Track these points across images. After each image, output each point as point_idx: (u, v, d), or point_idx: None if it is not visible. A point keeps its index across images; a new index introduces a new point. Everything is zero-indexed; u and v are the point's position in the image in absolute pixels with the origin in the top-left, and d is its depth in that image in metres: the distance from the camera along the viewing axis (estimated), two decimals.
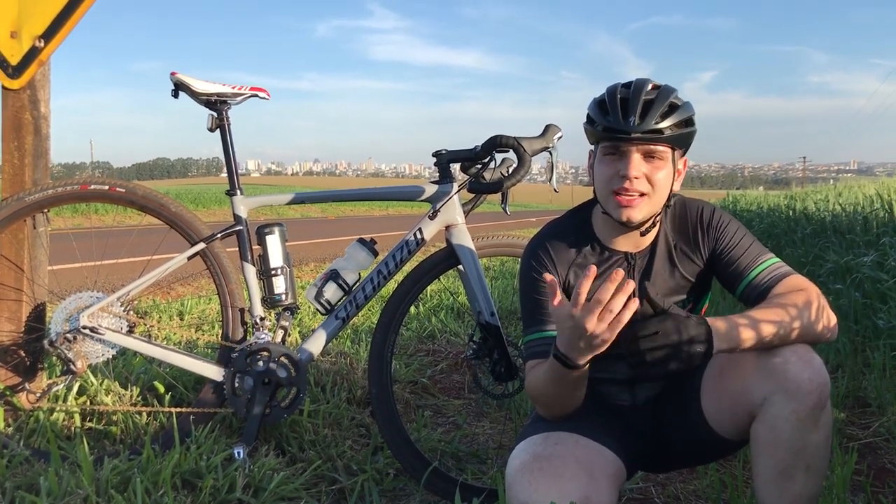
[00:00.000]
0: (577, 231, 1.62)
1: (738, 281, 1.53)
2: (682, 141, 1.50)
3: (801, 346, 1.39)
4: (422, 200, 2.24)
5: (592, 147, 1.57)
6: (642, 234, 1.56)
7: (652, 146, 1.47)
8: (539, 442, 1.45)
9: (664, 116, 1.46)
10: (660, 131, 1.45)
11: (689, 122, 1.50)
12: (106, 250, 2.62)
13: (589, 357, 1.34)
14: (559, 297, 1.30)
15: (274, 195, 2.35)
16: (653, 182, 1.47)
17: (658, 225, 1.58)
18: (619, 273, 1.25)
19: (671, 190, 1.53)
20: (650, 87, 1.49)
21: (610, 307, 1.26)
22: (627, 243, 1.57)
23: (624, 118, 1.45)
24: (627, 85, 1.51)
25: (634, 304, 1.26)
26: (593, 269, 1.28)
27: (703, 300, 1.65)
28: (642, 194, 1.47)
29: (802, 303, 1.41)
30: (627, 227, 1.52)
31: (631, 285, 1.26)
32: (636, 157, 1.47)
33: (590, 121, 1.53)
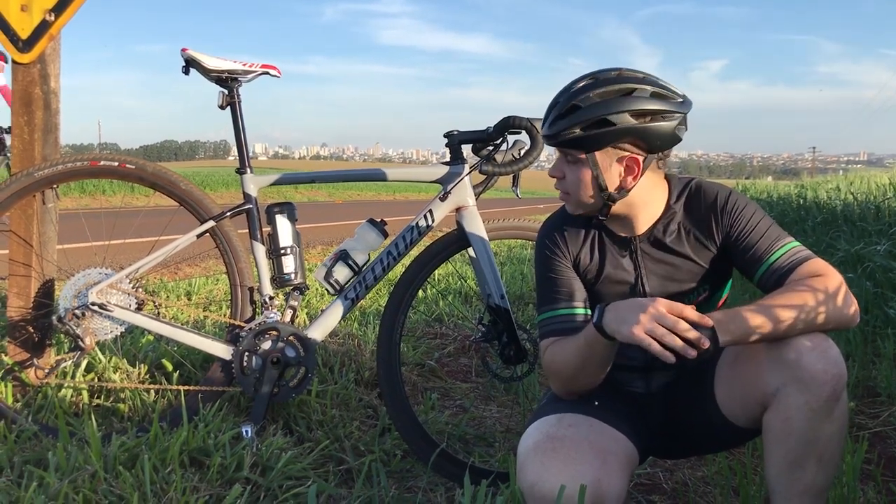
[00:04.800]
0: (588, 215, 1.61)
1: (757, 266, 1.48)
2: (588, 143, 1.45)
3: (817, 335, 1.36)
4: (433, 182, 2.22)
5: None
6: (602, 217, 1.55)
7: (562, 150, 1.51)
8: (553, 423, 1.44)
9: (557, 121, 1.48)
10: (554, 136, 1.49)
11: (601, 123, 1.43)
12: (114, 230, 2.61)
13: (614, 333, 1.36)
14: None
15: (287, 174, 2.33)
16: (568, 182, 1.52)
17: (663, 210, 1.55)
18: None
19: (604, 188, 1.48)
20: (577, 87, 1.48)
21: (680, 328, 1.29)
22: (619, 228, 1.58)
23: (543, 122, 1.53)
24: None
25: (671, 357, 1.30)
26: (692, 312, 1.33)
27: (721, 289, 1.61)
28: (567, 192, 1.53)
29: (823, 288, 1.37)
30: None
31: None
32: (558, 158, 1.53)
33: None
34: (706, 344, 1.28)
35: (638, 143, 1.45)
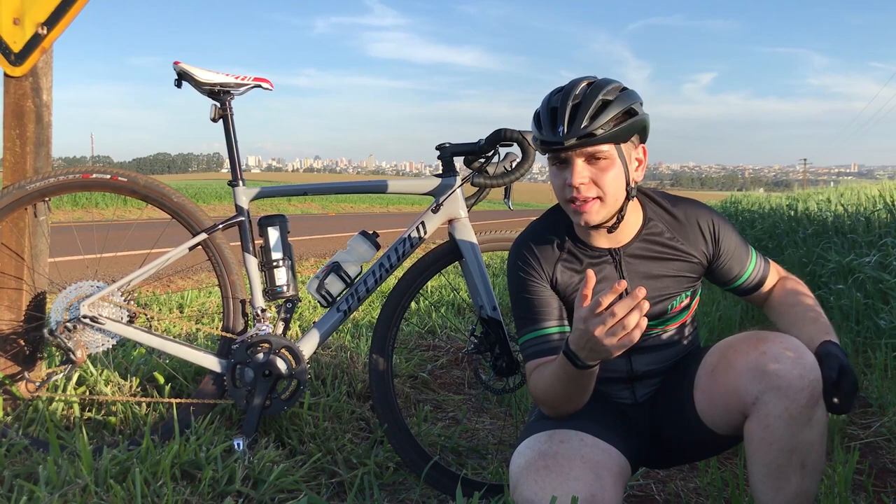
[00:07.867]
0: (560, 229, 1.62)
1: (735, 280, 1.67)
2: (622, 135, 1.46)
3: (792, 342, 1.40)
4: (425, 194, 2.23)
5: None
6: (609, 232, 1.55)
7: (590, 149, 1.44)
8: (544, 440, 1.44)
9: (594, 118, 1.43)
10: (591, 134, 1.42)
11: (628, 113, 1.46)
12: (106, 243, 2.60)
13: (597, 361, 1.34)
14: (588, 298, 1.28)
15: (277, 187, 2.34)
16: (601, 184, 1.46)
17: (642, 221, 1.58)
18: (633, 289, 1.23)
19: (629, 183, 1.50)
20: (581, 87, 1.46)
21: (624, 322, 1.23)
22: (605, 240, 1.58)
23: (553, 129, 1.44)
24: (560, 90, 1.49)
25: (644, 323, 1.24)
26: (591, 275, 1.28)
27: (696, 295, 1.66)
28: (595, 198, 1.46)
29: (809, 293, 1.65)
30: (592, 228, 1.53)
31: (646, 306, 1.23)
32: (579, 164, 1.45)
33: (533, 134, 1.53)
34: (624, 284, 1.24)
35: (640, 135, 1.51)
